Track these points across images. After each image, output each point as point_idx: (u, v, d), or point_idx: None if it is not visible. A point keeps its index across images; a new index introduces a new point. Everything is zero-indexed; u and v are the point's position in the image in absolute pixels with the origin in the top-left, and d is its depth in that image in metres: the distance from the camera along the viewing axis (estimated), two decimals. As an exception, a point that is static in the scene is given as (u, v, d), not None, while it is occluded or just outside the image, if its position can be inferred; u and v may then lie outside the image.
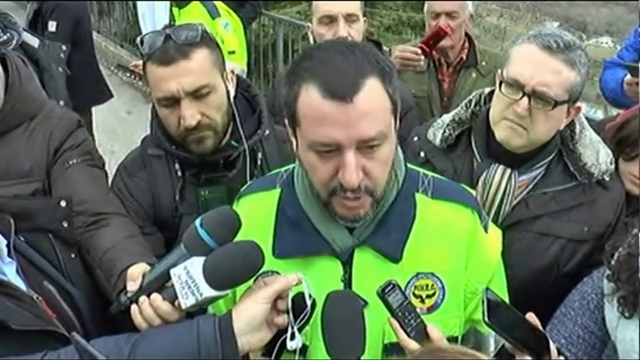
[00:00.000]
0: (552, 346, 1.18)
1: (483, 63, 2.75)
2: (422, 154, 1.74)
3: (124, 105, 6.23)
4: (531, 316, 1.19)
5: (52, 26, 3.60)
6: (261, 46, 5.99)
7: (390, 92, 1.06)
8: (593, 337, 1.36)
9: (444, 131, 1.71)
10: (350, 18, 2.26)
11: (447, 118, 1.74)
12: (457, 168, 1.68)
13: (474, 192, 1.42)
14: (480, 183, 1.62)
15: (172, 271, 1.07)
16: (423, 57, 2.39)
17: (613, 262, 1.30)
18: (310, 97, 1.03)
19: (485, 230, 1.27)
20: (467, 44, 2.78)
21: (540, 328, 1.19)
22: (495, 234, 1.31)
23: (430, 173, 1.30)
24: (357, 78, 1.01)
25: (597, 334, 1.36)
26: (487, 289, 1.16)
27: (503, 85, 1.53)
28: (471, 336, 1.26)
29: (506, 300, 1.31)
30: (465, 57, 2.77)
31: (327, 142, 1.04)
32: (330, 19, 2.27)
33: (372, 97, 1.03)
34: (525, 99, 1.48)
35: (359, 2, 2.30)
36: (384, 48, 2.59)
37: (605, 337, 1.34)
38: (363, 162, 1.06)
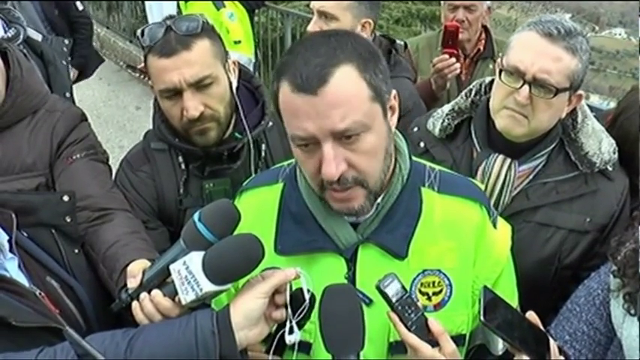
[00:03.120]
0: (553, 345, 1.15)
1: (500, 54, 2.72)
2: (422, 144, 1.72)
3: (133, 100, 6.27)
4: (531, 315, 1.17)
5: (80, 5, 3.86)
6: (270, 40, 5.98)
7: (367, 79, 1.02)
8: (598, 334, 1.34)
9: (443, 121, 1.69)
10: (326, 16, 2.18)
11: (446, 108, 1.72)
12: (456, 158, 1.66)
13: (482, 186, 1.39)
14: (478, 173, 1.59)
15: (172, 267, 1.06)
16: (453, 60, 2.33)
17: (619, 258, 1.27)
18: (284, 92, 1.03)
19: (494, 226, 1.24)
20: (483, 35, 2.78)
21: (541, 327, 1.17)
22: (504, 230, 1.28)
23: (437, 167, 1.28)
24: (326, 68, 0.99)
25: (602, 331, 1.33)
26: (485, 287, 1.13)
27: (503, 73, 1.51)
28: (479, 333, 1.24)
29: (516, 297, 1.29)
30: (481, 48, 2.77)
31: (303, 135, 1.03)
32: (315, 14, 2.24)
33: (343, 86, 1.00)
34: (526, 87, 1.46)
35: (340, 2, 2.16)
36: (398, 41, 2.53)
37: (611, 334, 1.32)
38: (346, 154, 1.04)
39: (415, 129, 1.77)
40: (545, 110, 1.48)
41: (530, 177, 1.61)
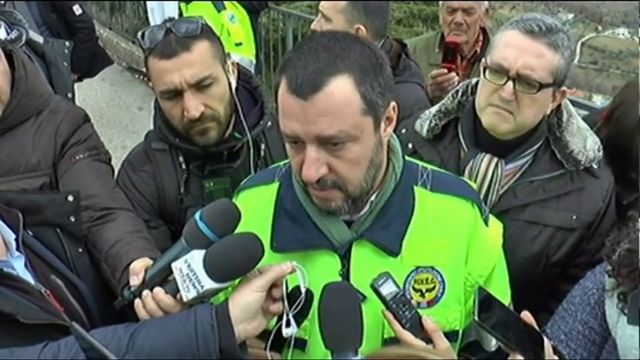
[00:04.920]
0: (547, 345, 1.17)
1: None
2: (410, 145, 1.73)
3: (135, 101, 6.29)
4: (526, 315, 1.18)
5: (77, 10, 3.91)
6: (271, 41, 5.99)
7: (362, 92, 1.04)
8: (592, 333, 1.35)
9: (431, 122, 1.71)
10: (324, 16, 2.17)
11: (433, 109, 1.74)
12: (444, 158, 1.68)
13: (474, 185, 1.41)
14: (466, 172, 1.61)
15: (173, 265, 1.08)
16: (452, 74, 2.36)
17: (614, 258, 1.28)
18: (282, 90, 1.05)
19: (486, 223, 1.26)
20: (481, 37, 2.78)
21: (535, 326, 1.18)
22: (496, 227, 1.30)
23: (430, 166, 1.29)
24: (322, 76, 1.01)
25: (597, 330, 1.34)
26: (480, 287, 1.15)
27: (487, 71, 1.53)
28: (472, 330, 1.26)
29: (509, 293, 1.30)
30: (478, 50, 2.77)
31: (290, 134, 1.06)
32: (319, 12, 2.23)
33: (335, 96, 1.01)
34: (510, 83, 1.48)
35: (336, 5, 2.13)
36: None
37: (606, 333, 1.33)
38: (328, 158, 1.06)
39: (403, 130, 1.78)
40: (529, 106, 1.51)
41: (517, 175, 1.63)
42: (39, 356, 1.03)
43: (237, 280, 1.10)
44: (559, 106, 1.62)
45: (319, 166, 1.06)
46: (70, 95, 2.67)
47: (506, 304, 1.24)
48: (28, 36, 2.53)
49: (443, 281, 1.19)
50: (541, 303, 1.63)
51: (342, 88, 1.02)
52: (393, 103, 1.12)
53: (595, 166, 1.61)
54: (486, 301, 1.12)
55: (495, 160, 1.59)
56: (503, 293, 1.26)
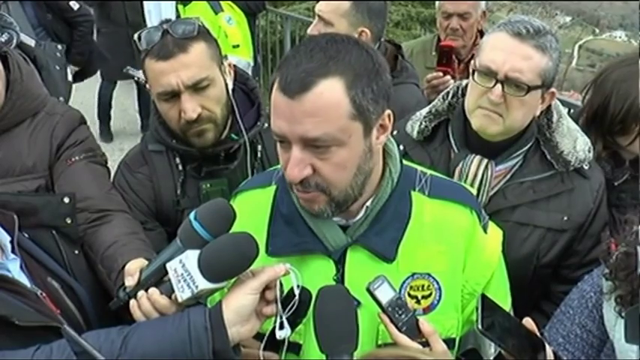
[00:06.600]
0: (548, 351, 1.17)
1: None
2: (400, 147, 1.72)
3: (133, 103, 6.28)
4: (528, 322, 1.18)
5: (75, 5, 3.88)
6: (269, 43, 6.01)
7: (352, 96, 1.02)
8: (591, 336, 1.35)
9: (421, 123, 1.71)
10: (324, 20, 2.14)
11: (424, 110, 1.74)
12: (434, 159, 1.68)
13: (474, 191, 1.40)
14: (456, 173, 1.61)
15: (168, 265, 1.08)
16: (448, 77, 2.36)
17: (611, 261, 1.29)
18: (274, 88, 1.05)
19: (485, 230, 1.25)
20: (478, 40, 2.77)
21: (537, 333, 1.18)
22: (495, 234, 1.29)
23: (428, 171, 1.28)
24: (311, 77, 1.00)
25: (595, 333, 1.34)
26: (482, 294, 1.14)
27: (476, 73, 1.54)
28: (470, 337, 1.25)
29: (509, 301, 1.30)
30: (476, 53, 2.75)
31: (277, 132, 1.06)
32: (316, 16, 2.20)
33: (324, 98, 1.00)
34: (499, 86, 1.49)
35: (338, 8, 2.10)
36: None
37: (604, 336, 1.33)
38: (313, 160, 1.05)
39: (394, 132, 1.76)
40: (518, 108, 1.51)
41: (508, 177, 1.63)
42: (32, 356, 1.03)
43: (232, 280, 1.10)
44: (549, 106, 1.63)
45: (303, 167, 1.05)
46: (62, 99, 2.64)
47: (509, 312, 1.24)
48: (19, 39, 2.51)
49: (439, 288, 1.18)
50: (533, 304, 1.63)
51: (331, 91, 1.01)
52: (388, 112, 1.10)
53: (585, 167, 1.62)
54: (488, 309, 1.12)
55: (485, 161, 1.59)
56: (502, 300, 1.25)
